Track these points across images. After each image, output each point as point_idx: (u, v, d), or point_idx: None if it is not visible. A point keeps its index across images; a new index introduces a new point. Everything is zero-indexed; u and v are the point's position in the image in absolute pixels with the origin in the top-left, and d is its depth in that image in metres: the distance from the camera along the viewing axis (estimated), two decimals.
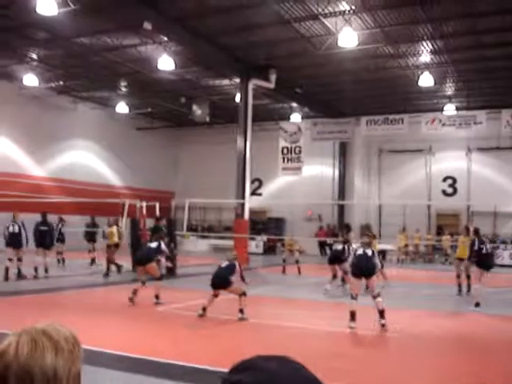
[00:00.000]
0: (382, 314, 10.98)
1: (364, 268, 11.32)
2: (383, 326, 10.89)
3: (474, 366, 8.58)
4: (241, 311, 11.64)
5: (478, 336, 10.95)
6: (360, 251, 11.58)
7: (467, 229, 19.04)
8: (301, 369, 1.24)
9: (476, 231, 15.49)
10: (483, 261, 14.47)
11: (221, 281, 11.91)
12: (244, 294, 11.79)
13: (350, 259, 11.97)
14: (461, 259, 17.68)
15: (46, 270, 18.35)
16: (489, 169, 33.90)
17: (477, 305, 13.62)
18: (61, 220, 23.10)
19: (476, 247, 14.74)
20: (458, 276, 17.28)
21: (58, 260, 22.22)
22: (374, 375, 7.99)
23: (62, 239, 22.61)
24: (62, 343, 1.43)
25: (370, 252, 11.44)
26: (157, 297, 13.60)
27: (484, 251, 14.54)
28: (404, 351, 9.61)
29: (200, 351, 8.78)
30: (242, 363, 1.26)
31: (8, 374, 1.36)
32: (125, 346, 8.78)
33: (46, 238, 18.82)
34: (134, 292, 13.55)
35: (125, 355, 8.25)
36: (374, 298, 11.09)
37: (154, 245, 14.57)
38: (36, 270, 18.00)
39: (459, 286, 17.14)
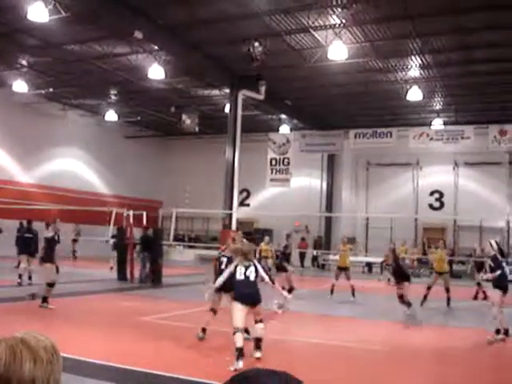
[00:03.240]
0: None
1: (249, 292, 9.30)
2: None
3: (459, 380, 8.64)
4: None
5: (456, 348, 11.00)
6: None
7: (444, 242, 19.29)
8: None
9: (497, 245, 12.60)
10: (503, 282, 11.94)
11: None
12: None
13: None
14: (440, 273, 17.97)
15: (30, 277, 18.21)
16: (475, 183, 34.11)
17: (506, 332, 11.73)
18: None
19: (499, 267, 12.00)
20: (429, 288, 17.55)
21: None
22: None
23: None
24: (40, 353, 1.41)
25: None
26: (44, 299, 13.55)
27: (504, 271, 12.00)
28: (390, 365, 9.62)
29: (183, 362, 8.75)
30: (241, 375, 1.25)
31: None
32: (108, 356, 8.74)
33: (30, 245, 18.68)
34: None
35: (108, 365, 8.21)
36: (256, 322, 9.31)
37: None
38: (20, 276, 17.87)
39: (425, 296, 17.36)
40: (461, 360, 10.02)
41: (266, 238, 25.49)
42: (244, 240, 20.19)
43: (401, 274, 15.34)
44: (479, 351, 10.92)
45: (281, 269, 17.02)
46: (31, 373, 1.37)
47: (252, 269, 9.22)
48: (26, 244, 18.67)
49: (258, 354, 8.95)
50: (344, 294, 18.44)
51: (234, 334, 8.66)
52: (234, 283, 9.24)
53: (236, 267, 9.28)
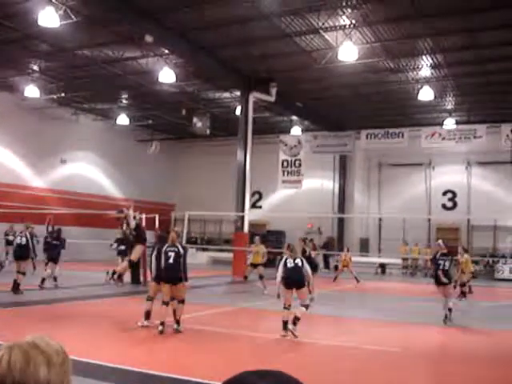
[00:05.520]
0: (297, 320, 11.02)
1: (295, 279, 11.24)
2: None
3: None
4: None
5: (464, 350, 10.91)
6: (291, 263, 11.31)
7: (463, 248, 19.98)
8: None
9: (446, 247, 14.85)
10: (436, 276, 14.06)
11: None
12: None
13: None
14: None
15: (55, 279, 18.61)
16: (488, 183, 33.90)
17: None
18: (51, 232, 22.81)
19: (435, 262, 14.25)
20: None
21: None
22: None
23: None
24: (53, 356, 1.43)
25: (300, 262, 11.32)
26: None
27: (441, 267, 13.89)
28: (405, 367, 9.57)
29: (198, 365, 8.75)
30: (232, 379, 1.23)
31: None
32: (123, 359, 8.75)
33: (55, 251, 19.00)
34: None
35: (123, 368, 8.21)
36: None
37: None
38: (54, 279, 18.44)
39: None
40: (478, 360, 9.96)
41: (257, 239, 24.06)
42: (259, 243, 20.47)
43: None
44: (498, 352, 10.84)
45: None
46: (46, 377, 1.39)
47: (299, 260, 11.30)
48: (52, 250, 19.05)
49: (290, 327, 10.89)
50: (354, 295, 18.40)
51: (284, 309, 11.07)
52: (285, 272, 11.19)
53: (286, 260, 11.29)
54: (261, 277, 20.46)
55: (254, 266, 20.69)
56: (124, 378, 7.86)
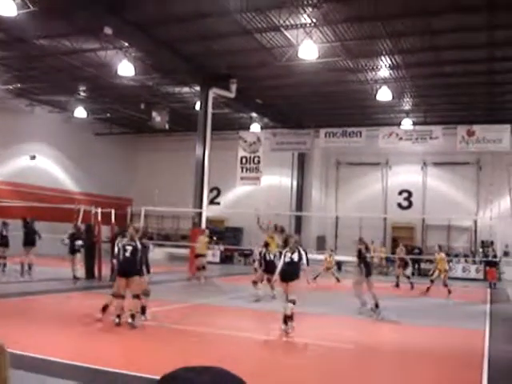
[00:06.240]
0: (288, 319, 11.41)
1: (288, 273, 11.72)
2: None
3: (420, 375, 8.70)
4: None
5: (418, 346, 11.09)
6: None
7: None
8: (237, 382, 1.20)
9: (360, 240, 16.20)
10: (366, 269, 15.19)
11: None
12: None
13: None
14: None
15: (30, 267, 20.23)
16: (444, 183, 34.52)
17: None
18: (4, 224, 22.37)
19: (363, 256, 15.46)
20: None
21: None
22: None
23: (5, 243, 21.83)
24: None
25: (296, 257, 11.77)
26: None
27: (368, 260, 15.39)
28: (359, 363, 9.66)
29: (150, 361, 8.68)
30: (170, 374, 1.21)
31: None
32: (75, 355, 8.63)
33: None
34: None
35: (75, 364, 8.10)
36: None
37: None
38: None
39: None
40: (428, 358, 10.12)
41: (206, 231, 24.29)
42: (205, 238, 21.14)
43: None
44: (447, 349, 11.03)
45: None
46: None
47: (296, 254, 11.73)
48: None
49: (283, 327, 11.38)
50: (309, 292, 18.49)
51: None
52: (283, 266, 11.78)
53: (285, 254, 11.84)
54: (203, 267, 21.23)
55: (202, 256, 21.44)
56: (75, 374, 7.74)
